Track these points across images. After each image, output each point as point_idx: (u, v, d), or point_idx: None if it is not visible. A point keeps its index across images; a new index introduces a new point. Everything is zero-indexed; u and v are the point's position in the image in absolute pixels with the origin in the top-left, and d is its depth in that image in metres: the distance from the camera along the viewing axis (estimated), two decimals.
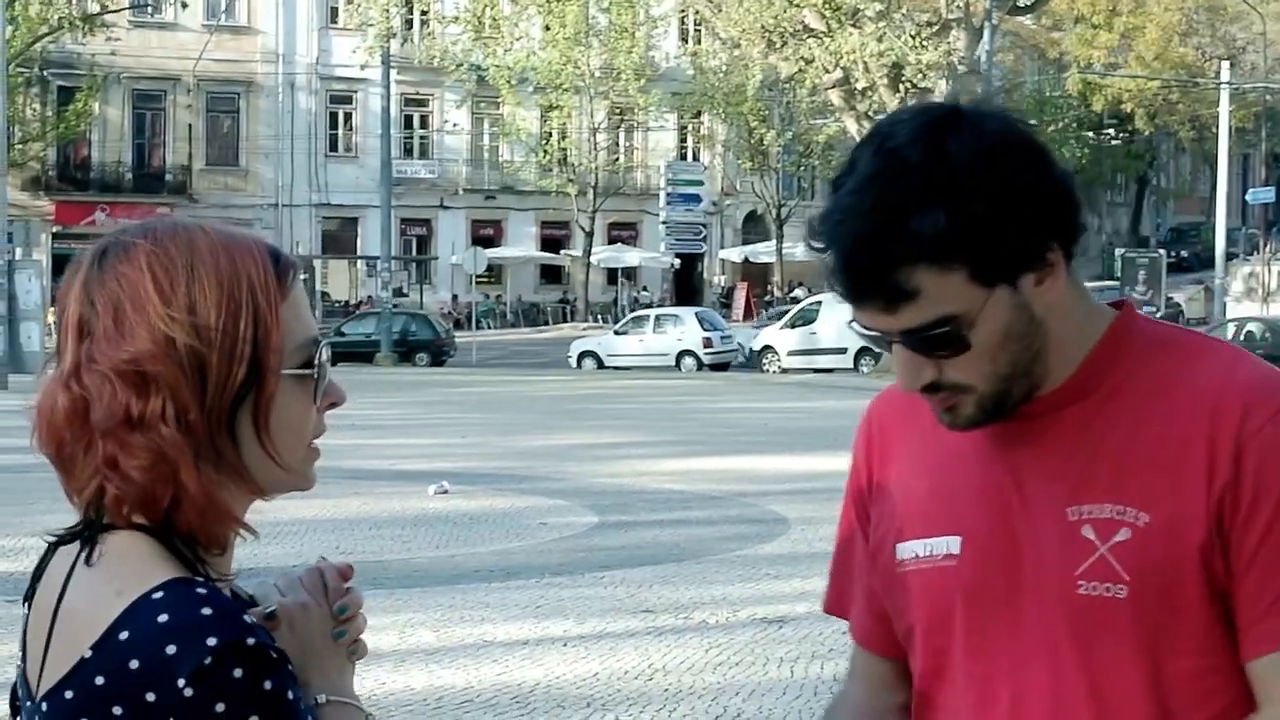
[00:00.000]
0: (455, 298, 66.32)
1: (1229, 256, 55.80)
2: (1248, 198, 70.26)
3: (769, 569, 12.93)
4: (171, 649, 1.69)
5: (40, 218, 59.56)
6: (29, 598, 1.90)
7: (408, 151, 69.46)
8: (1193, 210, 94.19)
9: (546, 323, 69.22)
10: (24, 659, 1.88)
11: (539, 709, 8.78)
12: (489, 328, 64.49)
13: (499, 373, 45.24)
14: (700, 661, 9.88)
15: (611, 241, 72.04)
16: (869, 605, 2.35)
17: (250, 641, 1.71)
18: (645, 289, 71.72)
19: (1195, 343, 2.18)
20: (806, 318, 46.28)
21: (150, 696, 1.70)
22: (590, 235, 67.60)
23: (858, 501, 2.36)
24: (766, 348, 46.40)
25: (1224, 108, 57.10)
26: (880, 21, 40.59)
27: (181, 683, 1.69)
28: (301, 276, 1.89)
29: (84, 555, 1.80)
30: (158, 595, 1.73)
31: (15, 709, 1.92)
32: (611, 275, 71.51)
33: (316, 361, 1.87)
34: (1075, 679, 2.09)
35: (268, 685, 1.71)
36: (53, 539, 1.88)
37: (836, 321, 45.20)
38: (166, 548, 1.79)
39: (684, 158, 73.18)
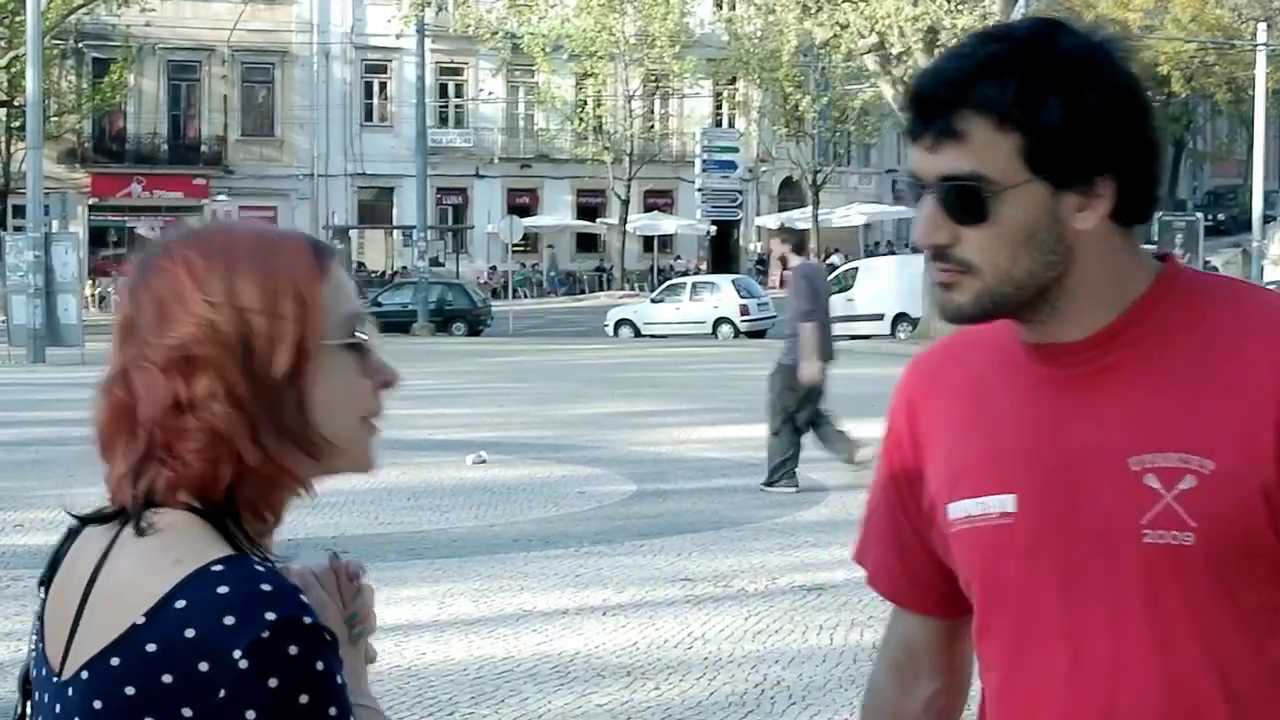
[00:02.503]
0: (494, 268, 66.37)
1: (1266, 219, 55.46)
2: None
3: (808, 536, 12.90)
4: (229, 620, 1.70)
5: (76, 190, 59.82)
6: (45, 581, 1.91)
7: (443, 120, 69.50)
8: (1230, 173, 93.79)
9: (583, 291, 69.21)
10: (41, 640, 1.88)
11: (579, 678, 8.78)
12: (525, 297, 64.54)
13: (536, 342, 45.26)
14: (740, 630, 9.87)
15: (647, 209, 72.00)
16: (894, 553, 2.38)
17: (307, 620, 1.72)
18: (679, 257, 71.65)
19: (1246, 290, 2.19)
20: (843, 285, 46.18)
21: (203, 666, 1.70)
22: (626, 203, 67.55)
23: (894, 460, 2.37)
24: None
25: (1260, 70, 56.72)
26: None
27: (237, 654, 1.69)
28: (340, 262, 1.93)
29: (134, 526, 1.81)
30: (217, 568, 1.74)
31: (27, 692, 1.92)
32: (648, 243, 71.44)
33: (354, 334, 1.88)
34: (1138, 629, 2.09)
35: (319, 665, 1.72)
36: (79, 518, 1.90)
37: (873, 288, 45.18)
38: (217, 529, 1.81)
39: (719, 124, 73.07)
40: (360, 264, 65.83)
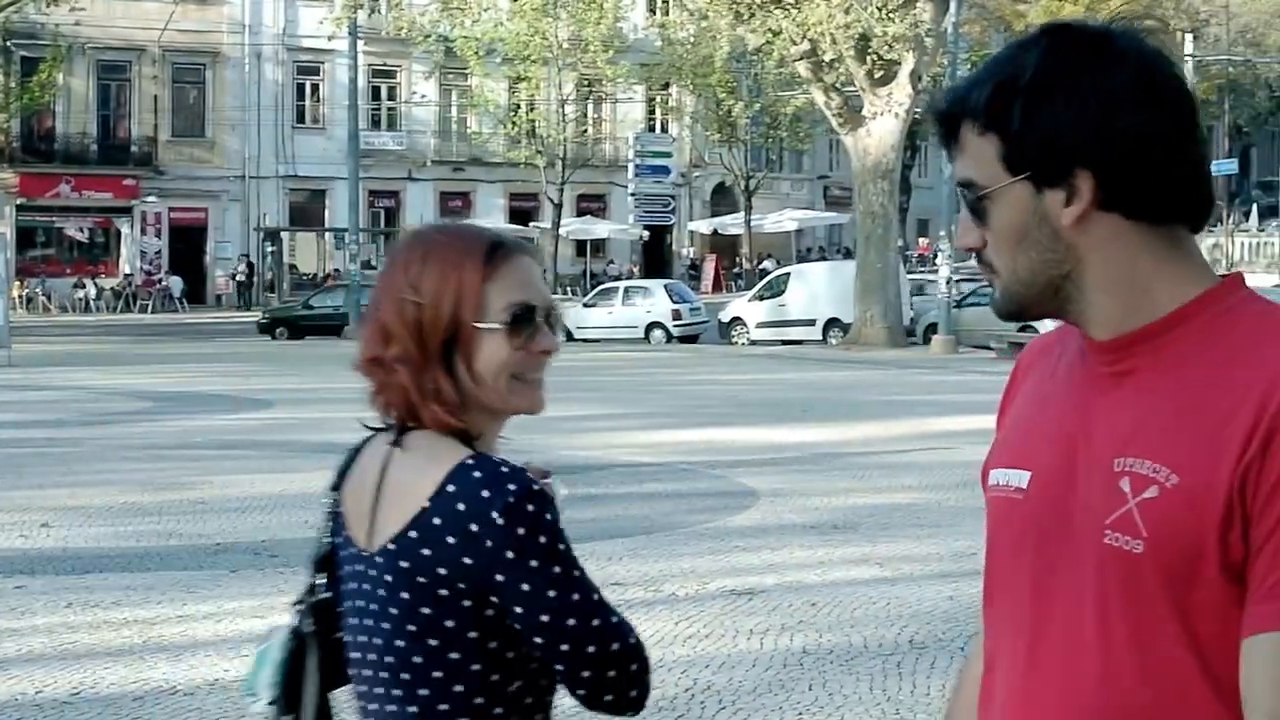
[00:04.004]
0: None
1: None
2: (1211, 169, 70.57)
3: (738, 541, 12.95)
4: (486, 493, 2.53)
5: (4, 190, 59.41)
6: (336, 487, 2.80)
7: (375, 123, 69.30)
8: None
9: None
10: (345, 528, 2.73)
11: None
12: None
13: None
14: (670, 634, 9.90)
15: (580, 214, 71.94)
16: None
17: (536, 488, 2.56)
18: (612, 261, 71.65)
19: None
20: (775, 290, 46.28)
21: (474, 527, 2.53)
22: (559, 207, 67.47)
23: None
24: (735, 319, 46.36)
25: (1188, 80, 57.15)
26: None
27: (495, 515, 2.52)
28: (522, 259, 2.71)
29: (398, 443, 2.66)
30: (470, 461, 2.57)
31: (321, 569, 2.80)
32: (580, 247, 71.42)
33: (511, 318, 2.65)
34: (1090, 624, 2.13)
35: (548, 516, 2.57)
36: (370, 428, 2.79)
37: (805, 293, 45.29)
38: (458, 439, 2.63)
39: (652, 129, 73.14)
40: (292, 266, 65.58)
